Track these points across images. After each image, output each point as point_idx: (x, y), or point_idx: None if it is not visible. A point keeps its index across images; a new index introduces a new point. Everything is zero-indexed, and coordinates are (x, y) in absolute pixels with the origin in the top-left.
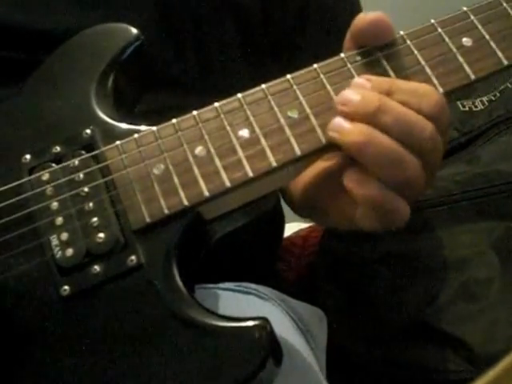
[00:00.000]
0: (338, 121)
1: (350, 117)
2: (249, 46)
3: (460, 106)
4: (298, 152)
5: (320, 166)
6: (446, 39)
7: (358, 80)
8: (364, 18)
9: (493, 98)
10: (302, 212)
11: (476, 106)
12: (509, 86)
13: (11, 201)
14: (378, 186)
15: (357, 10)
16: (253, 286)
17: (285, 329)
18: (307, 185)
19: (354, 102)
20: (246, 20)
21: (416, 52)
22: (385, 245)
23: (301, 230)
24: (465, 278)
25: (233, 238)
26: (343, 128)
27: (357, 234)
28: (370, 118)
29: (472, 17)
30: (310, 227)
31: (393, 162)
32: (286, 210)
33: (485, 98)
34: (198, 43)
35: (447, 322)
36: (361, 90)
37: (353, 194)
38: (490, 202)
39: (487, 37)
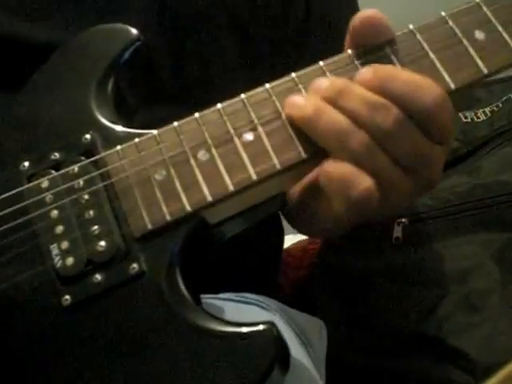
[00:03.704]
0: (292, 96)
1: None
2: (248, 55)
3: (462, 117)
4: (303, 154)
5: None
6: (458, 33)
7: (361, 70)
8: (357, 17)
9: (495, 109)
10: (297, 224)
11: (478, 117)
12: (511, 96)
13: (10, 209)
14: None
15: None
16: (254, 296)
17: (287, 340)
18: (302, 190)
19: (321, 87)
20: (245, 28)
21: (426, 47)
22: (384, 257)
23: (299, 241)
24: (465, 289)
25: (233, 248)
26: (296, 103)
27: (356, 246)
28: (331, 100)
29: (485, 8)
30: (308, 239)
31: (339, 133)
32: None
33: (487, 109)
34: (196, 51)
35: (447, 333)
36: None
37: (320, 180)
38: (490, 212)
39: (500, 29)
